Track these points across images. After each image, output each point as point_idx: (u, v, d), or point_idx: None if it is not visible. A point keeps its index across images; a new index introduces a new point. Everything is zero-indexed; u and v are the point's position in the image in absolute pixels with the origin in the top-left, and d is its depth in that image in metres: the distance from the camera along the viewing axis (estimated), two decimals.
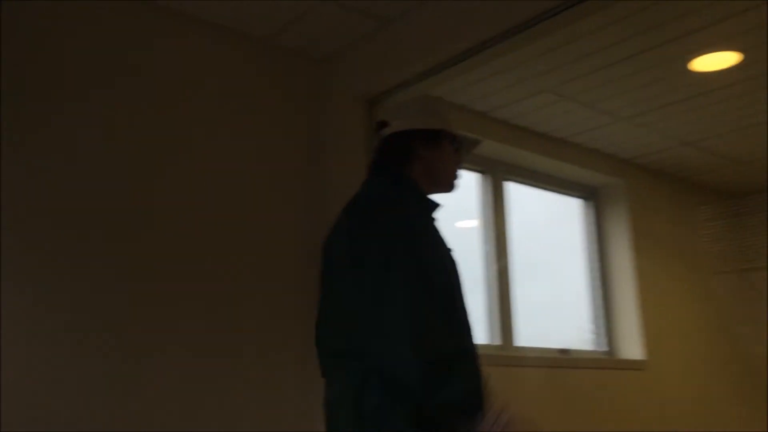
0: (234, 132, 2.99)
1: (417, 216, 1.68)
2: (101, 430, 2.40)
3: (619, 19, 2.95)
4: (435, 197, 1.79)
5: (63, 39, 2.61)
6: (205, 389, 2.67)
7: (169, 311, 2.64)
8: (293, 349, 2.94)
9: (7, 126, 2.42)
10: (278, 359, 2.90)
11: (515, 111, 3.84)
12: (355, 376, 1.56)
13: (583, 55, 3.26)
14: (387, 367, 1.51)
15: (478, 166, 3.96)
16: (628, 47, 3.19)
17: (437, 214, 1.77)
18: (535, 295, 3.96)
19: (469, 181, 3.95)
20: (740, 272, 5.07)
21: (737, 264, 5.07)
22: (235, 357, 2.77)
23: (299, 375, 2.95)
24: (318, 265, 1.80)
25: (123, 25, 2.76)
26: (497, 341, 3.69)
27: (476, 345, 1.66)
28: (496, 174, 4.03)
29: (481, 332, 3.64)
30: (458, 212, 3.86)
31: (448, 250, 1.70)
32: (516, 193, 4.15)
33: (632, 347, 4.31)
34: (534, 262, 4.06)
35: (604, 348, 4.37)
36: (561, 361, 3.93)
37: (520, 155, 4.05)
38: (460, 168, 1.87)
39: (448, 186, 1.83)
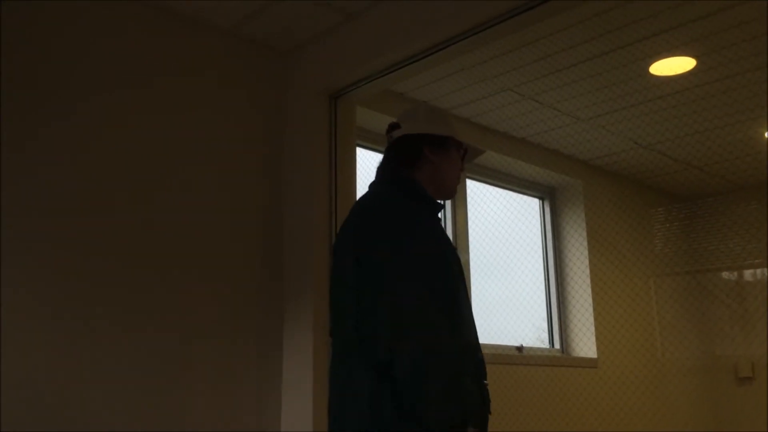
0: (192, 124, 2.96)
1: (419, 216, 1.73)
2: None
3: (580, 21, 3.01)
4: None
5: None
6: (165, 392, 2.67)
7: (125, 316, 2.63)
8: (249, 352, 2.95)
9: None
10: (234, 363, 2.90)
11: (476, 109, 3.88)
12: (360, 367, 1.62)
13: (544, 56, 3.31)
14: (384, 360, 1.56)
15: None
16: (588, 49, 3.25)
17: (439, 215, 1.84)
18: (492, 292, 4.01)
19: None
20: (692, 273, 5.21)
21: (688, 266, 5.21)
22: (190, 361, 2.76)
23: (256, 374, 2.96)
24: (330, 266, 1.88)
25: (90, 15, 2.72)
26: None
27: (477, 343, 1.73)
28: None
29: None
30: None
31: (451, 249, 1.75)
32: (475, 191, 4.19)
33: (585, 346, 4.40)
34: (492, 260, 4.11)
35: (558, 346, 4.45)
36: (516, 358, 3.98)
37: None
38: (461, 173, 1.91)
39: (449, 191, 1.87)
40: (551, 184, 4.67)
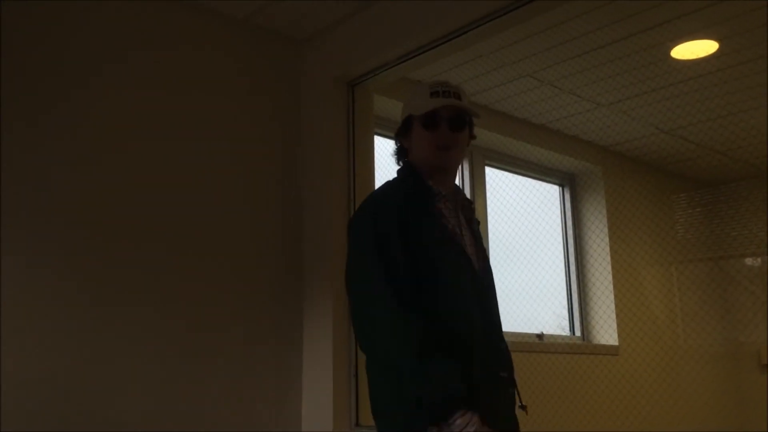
0: (208, 115, 2.96)
1: (394, 192, 1.81)
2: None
3: (600, 4, 2.97)
4: (439, 181, 1.86)
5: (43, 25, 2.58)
6: (182, 388, 2.69)
7: (145, 309, 2.64)
8: (267, 346, 2.96)
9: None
10: (251, 358, 2.91)
11: (494, 96, 3.85)
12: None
13: (564, 41, 3.28)
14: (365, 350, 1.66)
15: None
16: (608, 33, 3.21)
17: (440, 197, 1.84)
18: (512, 280, 4.00)
19: None
20: (714, 260, 5.16)
21: (711, 252, 5.16)
22: (204, 358, 2.77)
23: (276, 369, 2.97)
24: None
25: (105, 8, 2.73)
26: None
27: (475, 326, 1.70)
28: (475, 159, 4.05)
29: None
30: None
31: (433, 220, 1.76)
32: (494, 178, 4.17)
33: (606, 333, 4.38)
34: (511, 248, 4.10)
35: (579, 333, 4.43)
36: (536, 345, 3.98)
37: (500, 140, 4.07)
38: (442, 138, 1.85)
39: (431, 163, 1.86)
40: (571, 171, 4.64)
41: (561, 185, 4.67)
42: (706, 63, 3.47)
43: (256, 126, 3.11)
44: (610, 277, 4.42)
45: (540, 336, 4.08)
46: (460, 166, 2.01)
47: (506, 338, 1.86)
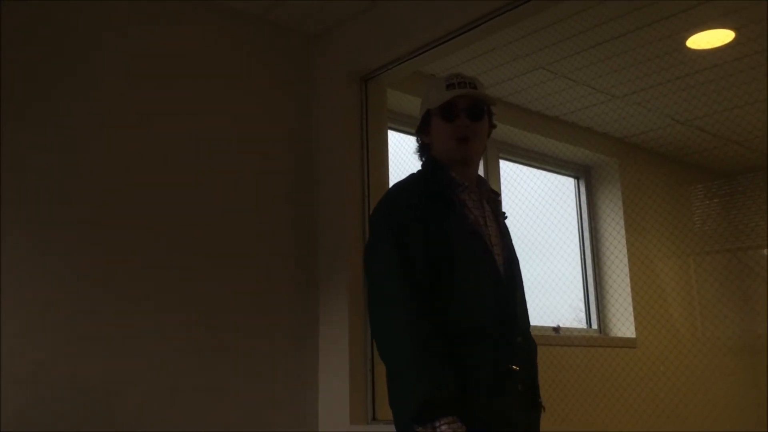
0: (220, 110, 2.97)
1: (415, 188, 1.80)
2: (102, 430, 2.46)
3: None
4: (462, 173, 1.86)
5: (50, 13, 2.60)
6: (197, 386, 2.69)
7: (154, 306, 2.64)
8: (284, 341, 2.98)
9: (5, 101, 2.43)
10: (270, 352, 2.92)
11: (509, 89, 3.84)
12: None
13: (577, 32, 3.27)
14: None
15: None
16: (622, 24, 3.19)
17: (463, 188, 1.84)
18: (529, 272, 3.97)
19: None
20: (732, 251, 5.12)
21: (729, 243, 5.12)
22: (224, 354, 2.78)
23: (292, 366, 2.99)
24: None
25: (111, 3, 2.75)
26: None
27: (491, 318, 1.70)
28: (489, 152, 4.05)
29: None
30: None
31: (456, 217, 1.76)
32: (509, 171, 4.16)
33: (623, 326, 4.36)
34: (527, 241, 4.08)
35: (596, 326, 4.42)
36: (553, 339, 3.97)
37: (513, 133, 4.06)
38: (461, 129, 1.85)
39: (452, 154, 1.86)
40: (586, 163, 4.62)
41: (576, 177, 4.65)
42: (723, 52, 3.44)
43: (268, 121, 3.12)
44: (626, 269, 4.40)
45: (557, 329, 4.08)
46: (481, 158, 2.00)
47: None
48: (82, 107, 2.60)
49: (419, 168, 1.93)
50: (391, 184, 1.94)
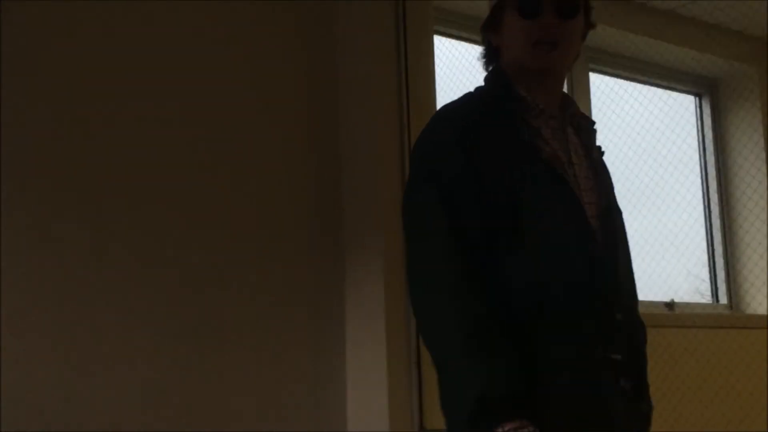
0: (226, 43, 3.05)
1: (470, 130, 1.76)
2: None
3: None
4: (540, 90, 1.84)
5: None
6: (198, 378, 2.81)
7: (152, 281, 2.80)
8: (302, 323, 3.05)
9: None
10: (284, 337, 2.99)
11: None
12: None
13: None
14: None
15: None
16: None
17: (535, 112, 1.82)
18: (633, 229, 3.96)
19: None
20: None
21: None
22: (231, 339, 2.89)
23: (313, 355, 3.04)
24: None
25: None
26: None
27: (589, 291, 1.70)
28: (576, 61, 3.99)
29: None
30: None
31: (541, 163, 1.75)
32: (603, 89, 4.13)
33: (762, 299, 4.33)
34: (629, 185, 4.05)
35: (725, 300, 4.40)
36: (666, 318, 3.97)
37: (609, 35, 3.98)
38: (545, 29, 1.80)
39: (529, 64, 1.83)
40: (713, 75, 4.57)
41: (698, 95, 4.62)
42: None
43: (276, 41, 3.15)
44: (766, 223, 4.35)
45: (670, 305, 4.08)
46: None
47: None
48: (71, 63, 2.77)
49: (481, 84, 1.92)
50: (438, 107, 1.91)
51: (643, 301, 3.92)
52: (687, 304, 4.20)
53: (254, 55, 3.09)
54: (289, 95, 3.14)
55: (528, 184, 1.71)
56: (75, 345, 2.64)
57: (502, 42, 1.87)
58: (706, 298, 4.41)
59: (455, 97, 1.90)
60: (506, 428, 1.49)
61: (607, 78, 4.21)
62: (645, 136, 4.27)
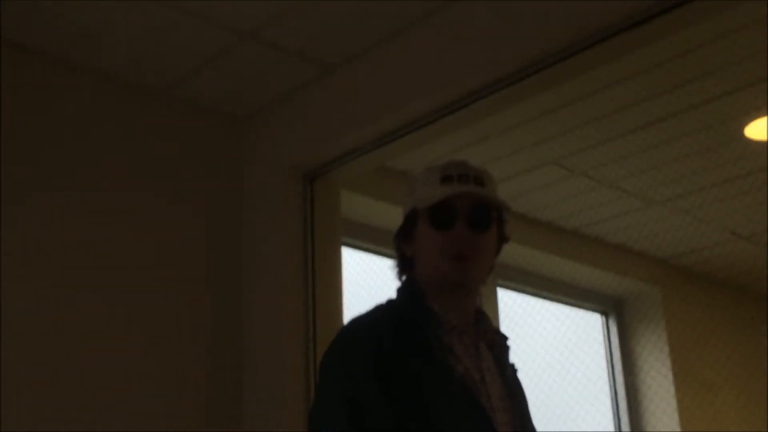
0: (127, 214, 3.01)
1: (380, 347, 1.73)
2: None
3: (643, 69, 3.00)
4: (452, 305, 1.82)
5: None
6: None
7: None
8: None
9: None
10: None
11: (508, 190, 3.84)
12: None
13: (598, 117, 3.32)
14: None
15: None
16: (659, 106, 3.25)
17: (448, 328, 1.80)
18: None
19: None
20: None
21: None
22: None
23: None
24: None
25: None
26: None
27: None
28: None
29: None
30: None
31: (453, 382, 1.71)
32: (511, 306, 4.16)
33: None
34: (537, 400, 4.01)
35: None
36: None
37: (517, 252, 4.04)
38: (457, 242, 1.80)
39: (442, 277, 1.82)
40: (618, 294, 4.66)
41: (604, 313, 4.68)
42: None
43: (181, 230, 3.14)
44: None
45: None
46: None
47: None
48: None
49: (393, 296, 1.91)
50: (346, 321, 1.88)
51: None
52: None
53: (163, 254, 3.07)
54: (196, 298, 3.09)
55: (441, 400, 1.68)
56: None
57: (415, 252, 1.87)
58: None
59: (366, 304, 1.87)
60: None
61: (515, 294, 4.25)
62: (554, 353, 4.29)
